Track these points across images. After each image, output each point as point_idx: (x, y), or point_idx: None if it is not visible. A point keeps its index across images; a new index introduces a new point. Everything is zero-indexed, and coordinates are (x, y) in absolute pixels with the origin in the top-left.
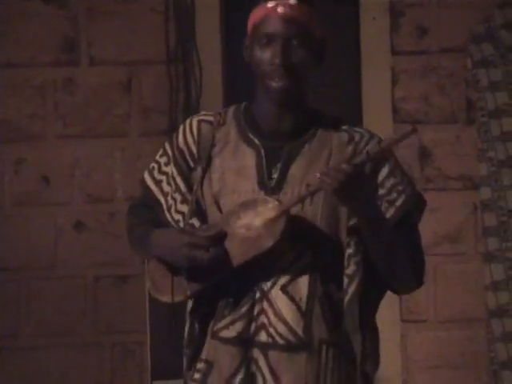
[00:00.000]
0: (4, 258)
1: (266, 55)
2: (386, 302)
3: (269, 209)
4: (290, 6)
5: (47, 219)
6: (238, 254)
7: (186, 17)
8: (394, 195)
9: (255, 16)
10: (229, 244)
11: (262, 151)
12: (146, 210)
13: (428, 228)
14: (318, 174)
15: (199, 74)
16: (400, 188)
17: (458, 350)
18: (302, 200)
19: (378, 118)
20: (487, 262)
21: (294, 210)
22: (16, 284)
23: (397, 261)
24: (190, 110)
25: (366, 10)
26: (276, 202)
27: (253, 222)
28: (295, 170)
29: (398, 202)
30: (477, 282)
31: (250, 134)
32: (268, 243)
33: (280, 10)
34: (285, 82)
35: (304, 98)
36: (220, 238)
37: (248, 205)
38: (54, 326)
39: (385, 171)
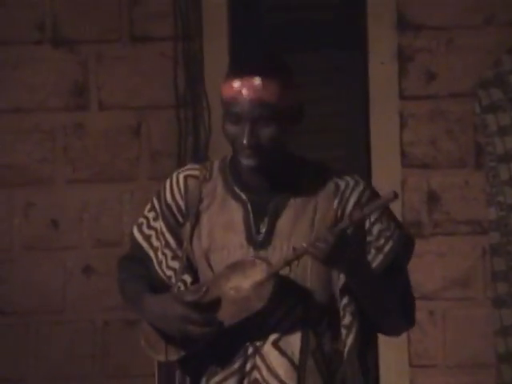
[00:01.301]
0: (13, 301)
1: (234, 133)
2: (394, 346)
3: (257, 271)
4: (255, 87)
5: (56, 263)
6: (227, 315)
7: (194, 61)
8: (382, 241)
9: (224, 92)
10: (219, 305)
11: (249, 206)
12: (137, 264)
13: (437, 273)
14: (305, 244)
15: (208, 118)
16: (387, 234)
17: None
18: (288, 263)
19: (386, 163)
20: (496, 307)
21: (283, 271)
22: (25, 328)
23: (387, 306)
24: (199, 153)
25: (375, 55)
26: (264, 265)
27: (242, 284)
28: (283, 223)
29: (386, 249)
30: (486, 327)
31: (237, 189)
32: (257, 306)
33: (245, 92)
34: (253, 161)
35: (283, 155)
36: (211, 303)
37: (237, 266)
38: (62, 371)
39: (372, 217)
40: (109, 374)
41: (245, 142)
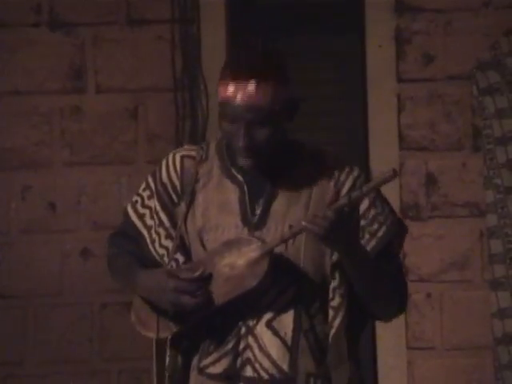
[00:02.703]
0: (10, 284)
1: (230, 131)
2: (392, 329)
3: (252, 249)
4: (249, 92)
5: (54, 246)
6: (221, 292)
7: (192, 44)
8: (376, 226)
9: (220, 92)
10: (213, 283)
11: (245, 187)
12: (128, 241)
13: (434, 255)
14: (304, 222)
15: (205, 102)
16: (381, 218)
17: (465, 378)
18: (284, 241)
19: (384, 145)
20: (494, 290)
21: (278, 250)
22: (22, 311)
23: (379, 290)
24: (197, 137)
25: (372, 38)
26: (259, 243)
27: (237, 261)
28: (277, 205)
29: (380, 233)
30: (483, 310)
31: (234, 170)
32: (252, 283)
33: (239, 96)
34: (250, 162)
35: (280, 146)
36: (205, 279)
37: (232, 244)
38: (60, 353)
39: (366, 202)
40: (106, 357)
41: (240, 144)
